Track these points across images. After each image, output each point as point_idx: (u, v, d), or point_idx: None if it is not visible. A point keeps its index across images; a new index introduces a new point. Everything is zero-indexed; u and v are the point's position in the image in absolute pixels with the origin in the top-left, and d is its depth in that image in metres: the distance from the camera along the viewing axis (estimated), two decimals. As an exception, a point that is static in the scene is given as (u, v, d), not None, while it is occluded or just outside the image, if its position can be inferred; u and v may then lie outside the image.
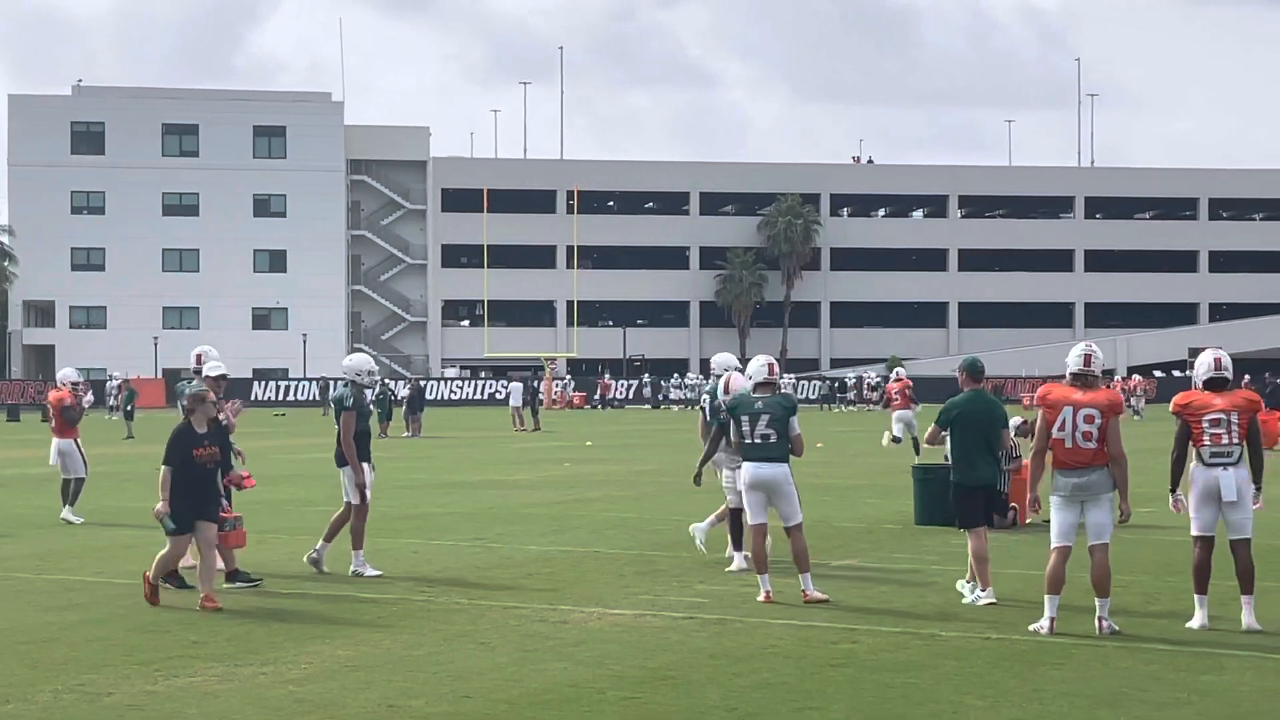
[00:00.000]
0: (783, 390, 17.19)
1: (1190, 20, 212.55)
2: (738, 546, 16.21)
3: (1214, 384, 12.62)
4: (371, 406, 16.60)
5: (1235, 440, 12.37)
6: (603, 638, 12.24)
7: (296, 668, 11.10)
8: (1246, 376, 67.87)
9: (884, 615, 13.33)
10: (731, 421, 14.46)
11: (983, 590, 14.06)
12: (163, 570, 14.10)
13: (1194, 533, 12.59)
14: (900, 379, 36.63)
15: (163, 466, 14.09)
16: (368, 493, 15.94)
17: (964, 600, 14.06)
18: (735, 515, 16.14)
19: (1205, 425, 12.41)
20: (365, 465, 15.96)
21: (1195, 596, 12.57)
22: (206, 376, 16.44)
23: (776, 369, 14.83)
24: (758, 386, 14.56)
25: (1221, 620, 12.57)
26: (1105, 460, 12.34)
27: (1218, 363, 12.72)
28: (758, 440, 14.14)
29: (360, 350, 62.73)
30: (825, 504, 23.80)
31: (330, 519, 16.38)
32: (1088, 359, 12.55)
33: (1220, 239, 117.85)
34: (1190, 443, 12.53)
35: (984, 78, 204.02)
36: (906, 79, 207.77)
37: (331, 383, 76.13)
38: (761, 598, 14.02)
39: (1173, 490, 12.73)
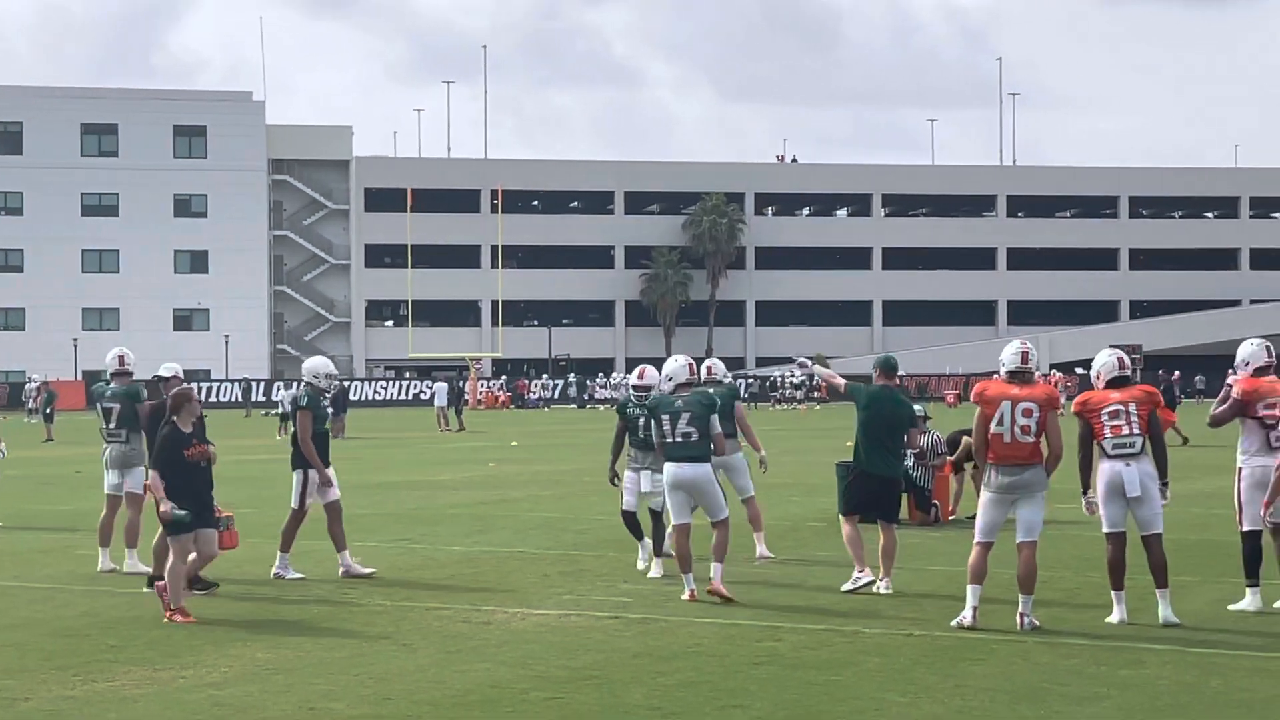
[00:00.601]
0: (727, 384, 17.32)
1: (1111, 20, 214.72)
2: (639, 536, 16.09)
3: (1117, 383, 12.73)
4: (329, 409, 16.33)
5: (1136, 431, 12.45)
6: (526, 638, 12.20)
7: (216, 671, 11.00)
8: (1176, 373, 68.64)
9: (807, 613, 13.36)
10: (652, 421, 14.35)
11: (860, 572, 14.48)
12: (179, 586, 13.38)
13: (1105, 530, 12.68)
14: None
15: (151, 470, 13.79)
16: (334, 491, 15.67)
17: (843, 588, 14.46)
18: (630, 517, 15.97)
19: (1105, 419, 12.50)
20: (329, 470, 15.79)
21: (1112, 593, 12.66)
22: (160, 378, 16.24)
23: (695, 369, 14.79)
24: (678, 386, 14.44)
25: (1141, 614, 12.68)
26: (1041, 457, 12.40)
27: (1121, 362, 12.84)
28: (679, 439, 14.02)
29: (316, 358, 62.25)
30: (740, 506, 23.77)
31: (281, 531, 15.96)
32: (1025, 355, 12.61)
33: (1141, 237, 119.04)
34: (1093, 439, 12.62)
35: (907, 77, 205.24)
36: (830, 78, 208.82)
37: (282, 385, 75.82)
38: (686, 596, 13.97)
39: (1084, 492, 12.79)
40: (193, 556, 13.67)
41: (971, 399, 12.62)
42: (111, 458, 16.52)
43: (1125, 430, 12.46)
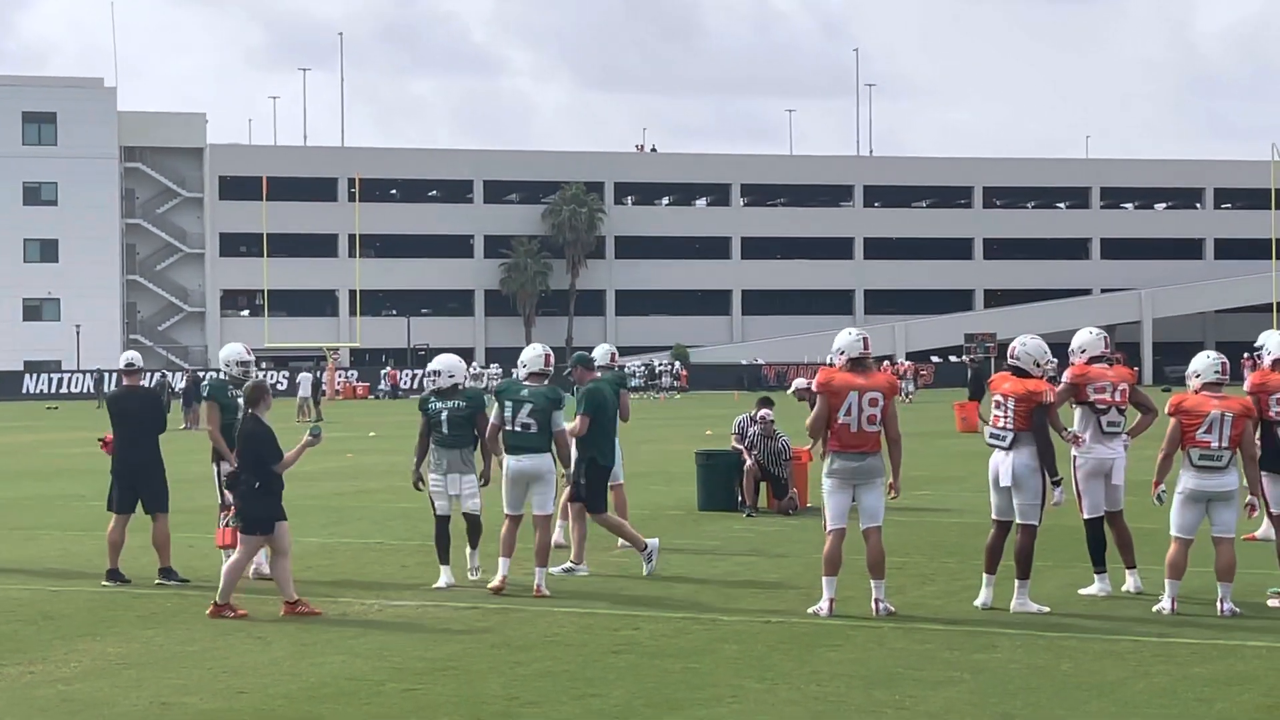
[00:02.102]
0: (620, 371, 17.31)
1: (966, 13, 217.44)
2: (444, 560, 14.42)
3: (1017, 373, 12.95)
4: (237, 400, 15.39)
5: (1010, 424, 12.63)
6: (383, 629, 12.12)
7: (66, 667, 10.81)
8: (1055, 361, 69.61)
9: (665, 601, 13.39)
10: (496, 405, 14.11)
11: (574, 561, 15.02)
12: (232, 587, 12.89)
13: (993, 515, 12.87)
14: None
15: (273, 468, 13.06)
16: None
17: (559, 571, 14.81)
18: (442, 524, 14.44)
19: (992, 407, 12.76)
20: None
21: (984, 575, 12.81)
22: (124, 368, 15.51)
23: (552, 360, 14.39)
24: (530, 376, 14.23)
25: (1002, 599, 12.80)
26: (880, 445, 12.51)
27: (1010, 351, 13.07)
28: (518, 429, 13.88)
29: (229, 345, 60.85)
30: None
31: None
32: (866, 341, 12.73)
33: (994, 226, 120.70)
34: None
35: (766, 67, 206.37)
36: (690, 68, 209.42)
37: (165, 374, 74.49)
38: (496, 583, 13.78)
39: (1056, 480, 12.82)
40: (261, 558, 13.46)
41: (815, 388, 12.68)
42: None
43: (1001, 422, 12.65)
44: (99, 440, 15.51)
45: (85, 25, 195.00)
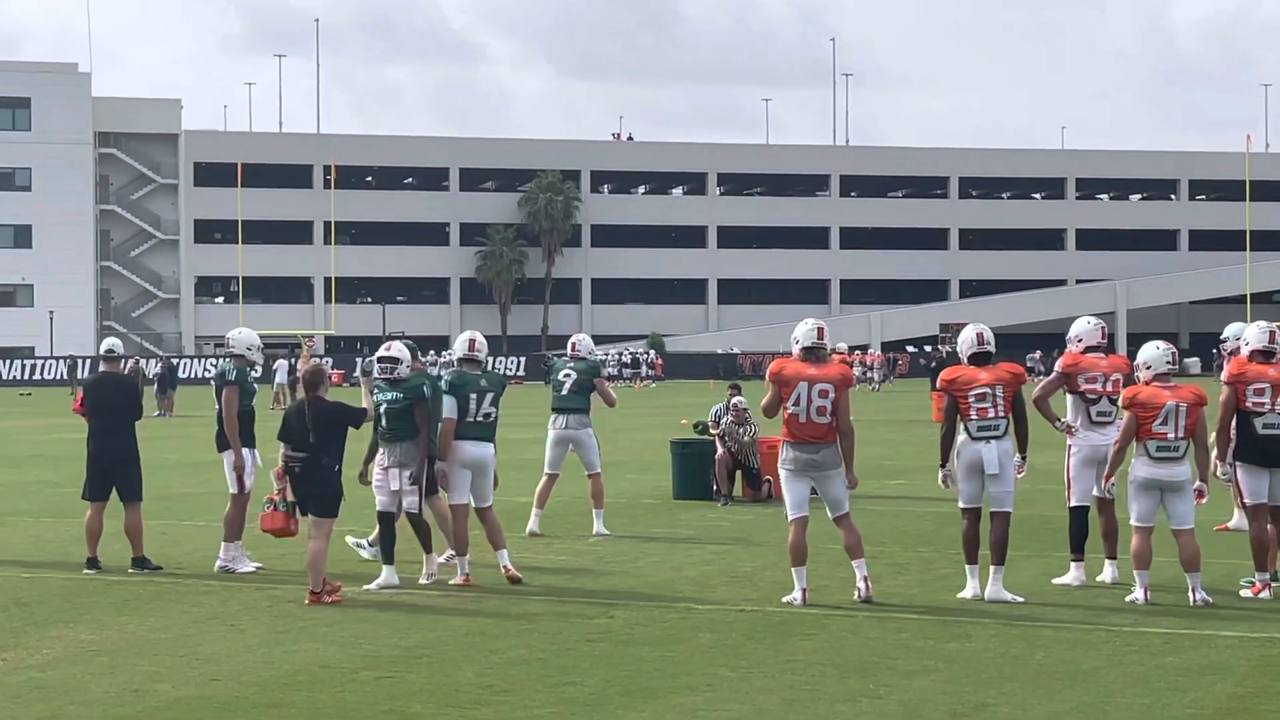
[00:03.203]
0: (589, 361, 17.25)
1: (942, 3, 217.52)
2: (389, 559, 13.67)
3: (978, 359, 12.88)
4: (255, 385, 15.25)
5: (1001, 414, 12.65)
6: (357, 617, 12.09)
7: (38, 654, 10.77)
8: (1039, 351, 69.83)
9: (640, 590, 13.39)
10: (455, 399, 13.80)
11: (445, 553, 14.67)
12: (322, 572, 12.77)
13: (961, 504, 12.85)
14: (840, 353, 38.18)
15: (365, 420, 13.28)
16: (247, 480, 14.77)
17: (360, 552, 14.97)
18: (388, 521, 13.75)
19: (972, 400, 12.65)
20: (247, 450, 14.80)
21: (966, 567, 12.81)
22: (104, 354, 15.35)
23: (479, 345, 14.31)
24: (463, 362, 14.13)
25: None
26: (835, 436, 12.48)
27: (979, 338, 12.98)
28: (480, 419, 13.78)
29: (245, 330, 60.05)
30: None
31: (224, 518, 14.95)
32: (821, 332, 12.73)
33: (970, 217, 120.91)
34: (958, 417, 12.77)
35: (743, 56, 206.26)
36: (667, 56, 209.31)
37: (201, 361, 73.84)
38: (459, 580, 13.66)
39: (943, 464, 12.87)
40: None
41: (768, 377, 12.68)
42: None
43: (991, 414, 12.62)
44: (72, 397, 15.33)
45: (60, 10, 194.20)
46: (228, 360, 15.15)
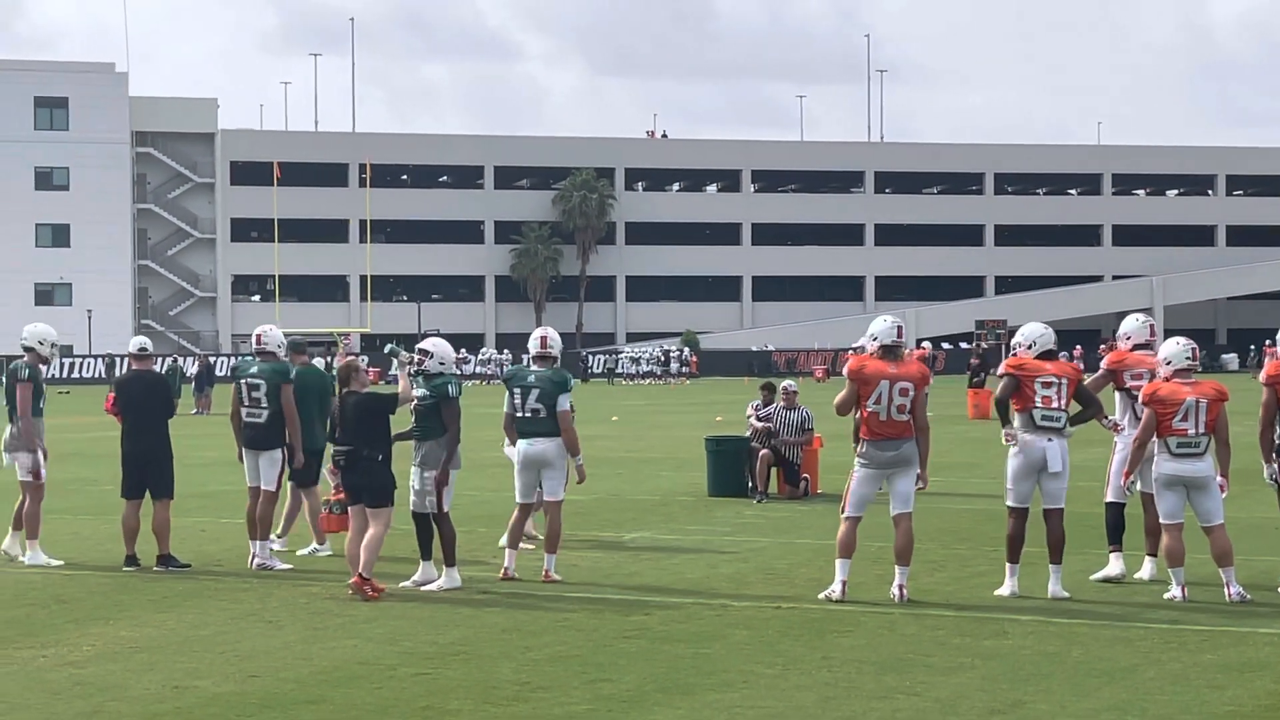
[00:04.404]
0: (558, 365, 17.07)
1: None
2: (426, 555, 13.61)
3: (1046, 356, 12.90)
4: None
5: (1063, 406, 12.63)
6: (394, 614, 12.13)
7: (78, 650, 10.83)
8: (1063, 354, 69.59)
9: (676, 587, 13.40)
10: (507, 393, 13.99)
11: (319, 545, 15.56)
12: (374, 560, 12.91)
13: (1010, 503, 12.80)
14: (922, 349, 38.96)
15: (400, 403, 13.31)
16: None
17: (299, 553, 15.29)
18: (420, 520, 13.68)
19: (1038, 387, 12.62)
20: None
21: (1007, 565, 12.77)
22: (135, 352, 15.52)
23: (551, 341, 14.18)
24: (534, 359, 14.07)
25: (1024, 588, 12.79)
26: (913, 431, 12.49)
27: (1053, 337, 13.06)
28: (528, 414, 13.75)
29: (149, 327, 60.38)
30: (619, 477, 23.88)
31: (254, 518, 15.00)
32: (900, 330, 12.71)
33: (1006, 213, 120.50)
34: (1016, 395, 12.72)
35: (777, 52, 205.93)
36: (701, 52, 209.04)
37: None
38: (501, 575, 13.77)
39: (1006, 425, 12.71)
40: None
41: (847, 374, 12.65)
42: (5, 441, 15.25)
43: (1055, 404, 12.61)
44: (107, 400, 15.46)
45: (97, 9, 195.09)
46: (266, 360, 15.17)
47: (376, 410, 13.22)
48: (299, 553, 15.65)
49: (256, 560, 14.74)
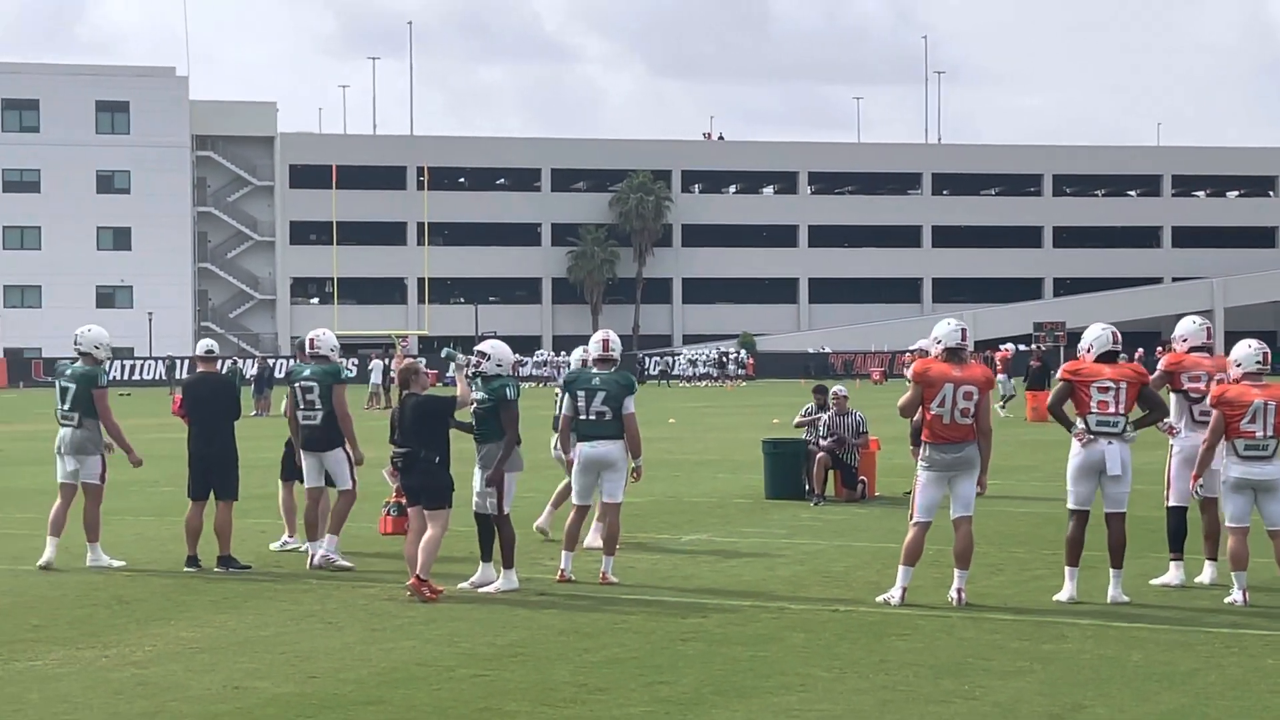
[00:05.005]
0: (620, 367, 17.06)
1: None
2: (486, 557, 13.66)
3: (1107, 357, 12.81)
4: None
5: (1121, 410, 12.56)
6: (452, 615, 12.18)
7: (140, 650, 10.93)
8: (1123, 356, 69.24)
9: (733, 589, 13.39)
10: (567, 396, 14.04)
11: (290, 537, 16.02)
12: (432, 561, 12.97)
13: (1071, 505, 12.73)
14: (1004, 350, 40.35)
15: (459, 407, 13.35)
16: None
17: (272, 545, 15.84)
18: (481, 520, 13.69)
19: (1094, 392, 12.56)
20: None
21: (1066, 569, 12.70)
22: (200, 357, 15.77)
23: (613, 344, 14.23)
24: (595, 362, 14.12)
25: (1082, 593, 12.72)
26: (975, 435, 12.44)
27: (1115, 336, 12.92)
28: (592, 417, 13.77)
29: (209, 329, 60.72)
30: (676, 480, 23.89)
31: (330, 513, 15.16)
32: (965, 333, 12.67)
33: (1064, 215, 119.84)
34: (1069, 401, 12.67)
35: (835, 54, 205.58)
36: (758, 54, 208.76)
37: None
38: (558, 577, 13.78)
39: (1070, 428, 12.69)
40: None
41: (911, 377, 12.62)
42: (65, 443, 15.16)
43: (1111, 409, 12.54)
44: (170, 398, 15.66)
45: (158, 14, 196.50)
46: (316, 362, 15.35)
47: (435, 413, 13.29)
48: (271, 546, 16.08)
49: (319, 557, 14.87)
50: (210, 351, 15.85)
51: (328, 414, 15.08)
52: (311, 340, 15.58)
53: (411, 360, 14.00)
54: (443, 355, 13.76)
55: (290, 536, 16.24)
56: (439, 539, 13.07)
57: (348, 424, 15.12)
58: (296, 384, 15.30)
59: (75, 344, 15.30)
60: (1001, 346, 41.97)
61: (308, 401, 15.15)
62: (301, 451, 15.33)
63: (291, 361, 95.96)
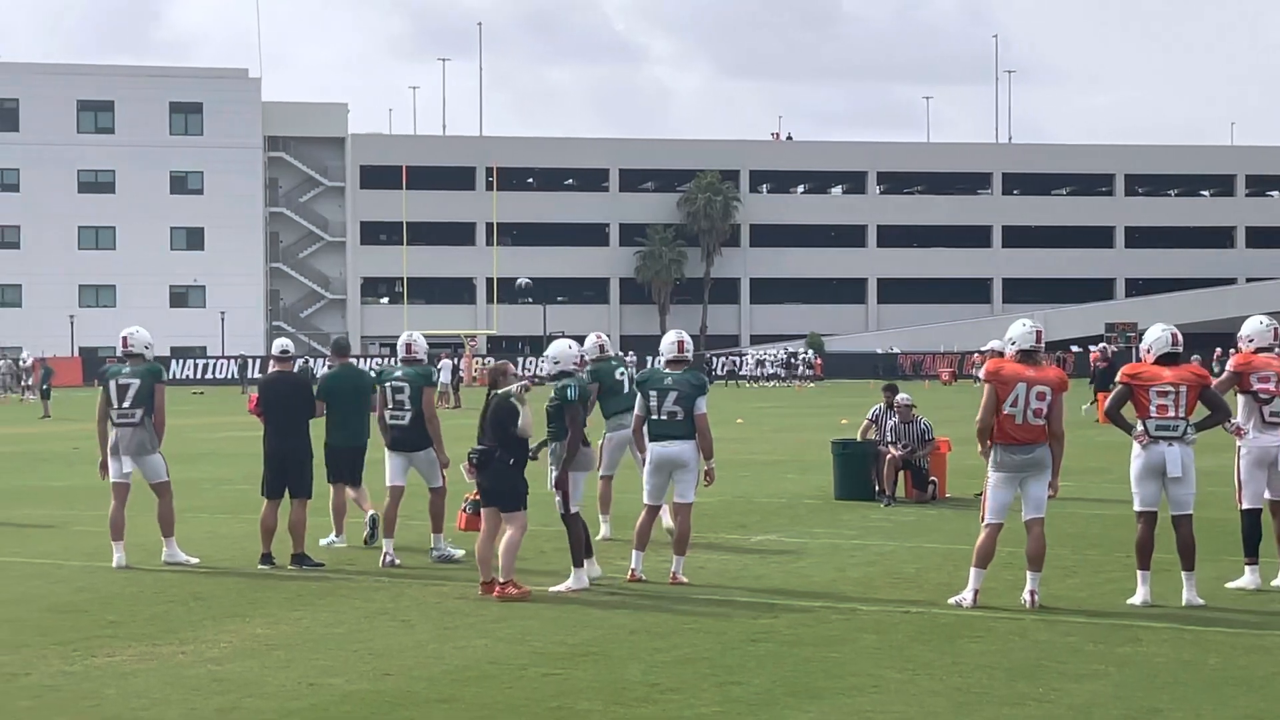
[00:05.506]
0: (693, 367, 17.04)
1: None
2: (578, 561, 13.57)
3: (1167, 359, 12.70)
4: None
5: (1181, 414, 12.45)
6: (524, 614, 12.22)
7: (216, 647, 11.02)
8: (1196, 356, 68.72)
9: (803, 590, 13.37)
10: (639, 396, 14.00)
11: (337, 536, 16.24)
12: (512, 564, 12.97)
13: (1137, 508, 12.62)
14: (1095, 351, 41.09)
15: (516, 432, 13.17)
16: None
17: (321, 541, 15.84)
18: (567, 521, 13.68)
19: (1153, 396, 12.46)
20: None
21: (1138, 573, 12.60)
22: (276, 357, 15.97)
23: (687, 345, 14.21)
24: (669, 363, 14.05)
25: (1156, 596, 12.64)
26: (1046, 436, 12.37)
27: (1174, 338, 12.76)
28: (664, 417, 13.70)
29: (280, 329, 60.99)
30: (745, 480, 23.86)
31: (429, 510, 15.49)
32: (1039, 335, 12.58)
33: (1136, 215, 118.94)
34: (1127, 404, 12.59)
35: (904, 53, 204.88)
36: (827, 54, 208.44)
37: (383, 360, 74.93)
38: (629, 577, 13.80)
39: (1129, 430, 12.62)
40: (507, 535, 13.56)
41: (984, 377, 12.54)
42: (124, 442, 15.18)
43: (1171, 413, 12.43)
44: (243, 397, 15.82)
45: (231, 16, 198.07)
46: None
47: (510, 420, 13.28)
48: (320, 542, 16.13)
49: (435, 553, 15.22)
50: (285, 351, 16.01)
51: (416, 415, 15.30)
52: (409, 345, 15.83)
53: (504, 362, 13.99)
54: (518, 286, 13.61)
55: (338, 535, 16.39)
56: (515, 542, 13.07)
57: (435, 426, 15.33)
58: (388, 384, 15.47)
59: (125, 346, 15.42)
60: (1093, 347, 42.13)
61: (397, 402, 15.36)
62: (387, 451, 15.50)
63: (360, 362, 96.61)
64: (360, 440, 16.11)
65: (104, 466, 15.34)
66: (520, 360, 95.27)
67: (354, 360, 16.87)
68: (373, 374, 16.06)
